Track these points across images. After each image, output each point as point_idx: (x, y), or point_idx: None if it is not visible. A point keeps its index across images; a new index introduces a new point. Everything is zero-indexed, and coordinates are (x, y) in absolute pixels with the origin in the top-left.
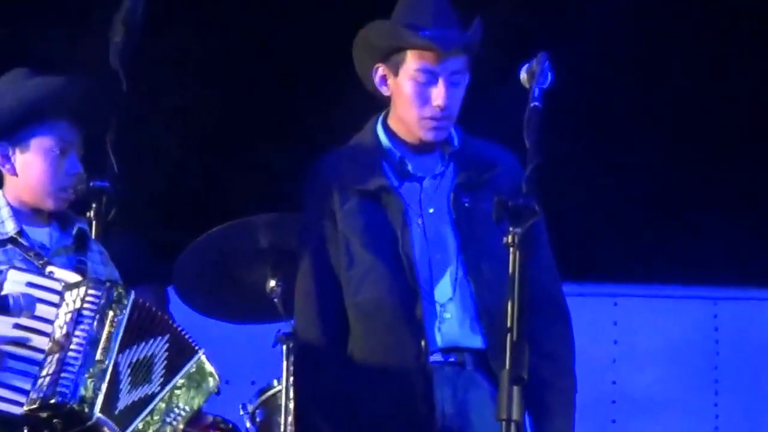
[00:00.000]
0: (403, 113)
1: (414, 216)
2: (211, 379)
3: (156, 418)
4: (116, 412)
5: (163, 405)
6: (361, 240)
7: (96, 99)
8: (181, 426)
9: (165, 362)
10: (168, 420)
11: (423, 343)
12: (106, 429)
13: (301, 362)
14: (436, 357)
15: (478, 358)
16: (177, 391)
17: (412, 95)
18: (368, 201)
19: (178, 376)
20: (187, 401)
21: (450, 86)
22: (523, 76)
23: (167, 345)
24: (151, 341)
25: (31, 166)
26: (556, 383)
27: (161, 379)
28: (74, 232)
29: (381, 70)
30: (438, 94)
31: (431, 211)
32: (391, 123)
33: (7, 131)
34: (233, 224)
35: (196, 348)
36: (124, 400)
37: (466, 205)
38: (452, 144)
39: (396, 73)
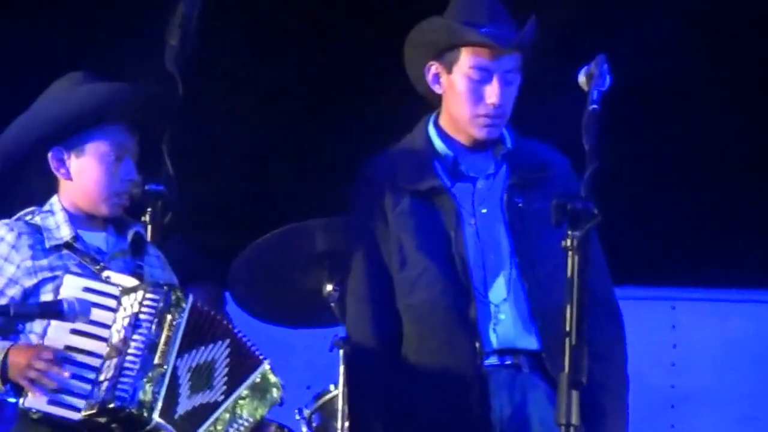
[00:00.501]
0: (455, 111)
1: (467, 216)
2: (275, 390)
3: (219, 428)
4: (176, 417)
5: (227, 415)
6: (414, 241)
7: (152, 103)
8: None
9: (227, 369)
10: (231, 430)
11: (477, 345)
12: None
13: (354, 365)
14: (492, 359)
15: (533, 360)
16: (241, 401)
17: (466, 93)
18: (421, 202)
19: (242, 387)
20: (251, 412)
21: (504, 84)
22: (582, 78)
23: (228, 350)
24: (211, 346)
25: (87, 171)
26: (609, 384)
27: (224, 387)
28: (131, 236)
29: (434, 68)
30: (492, 91)
31: (484, 211)
32: (443, 122)
33: (62, 136)
34: (290, 228)
35: (261, 358)
36: (184, 405)
37: (520, 205)
38: (505, 144)
39: (450, 71)
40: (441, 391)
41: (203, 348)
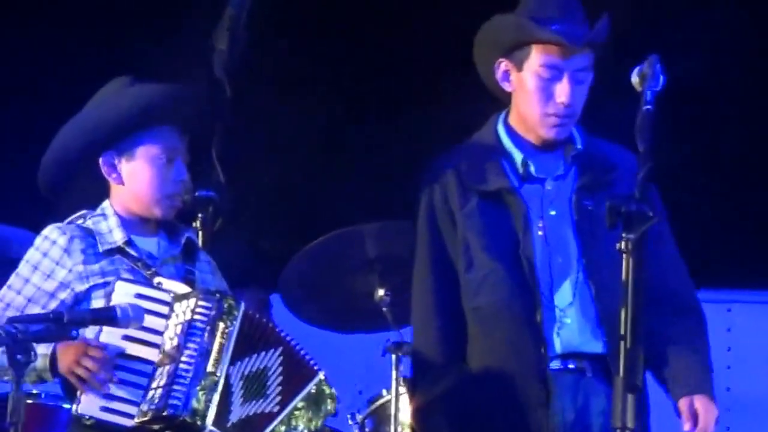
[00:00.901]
0: (525, 110)
1: (535, 218)
2: (329, 401)
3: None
4: (228, 425)
5: (282, 428)
6: (480, 242)
7: (200, 105)
8: None
9: (280, 378)
10: None
11: (543, 349)
12: None
13: (417, 366)
14: (555, 364)
15: (597, 365)
16: (296, 412)
17: (535, 91)
18: (488, 202)
19: (298, 398)
20: (306, 424)
21: (575, 83)
22: (635, 79)
23: (280, 359)
24: (263, 353)
25: (138, 175)
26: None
27: (279, 398)
28: (183, 241)
29: (504, 65)
30: (562, 90)
31: (553, 213)
32: (513, 121)
33: (112, 140)
34: (341, 233)
35: (316, 368)
36: (237, 413)
37: (589, 208)
38: (575, 145)
39: (520, 69)
40: (504, 394)
41: (255, 355)
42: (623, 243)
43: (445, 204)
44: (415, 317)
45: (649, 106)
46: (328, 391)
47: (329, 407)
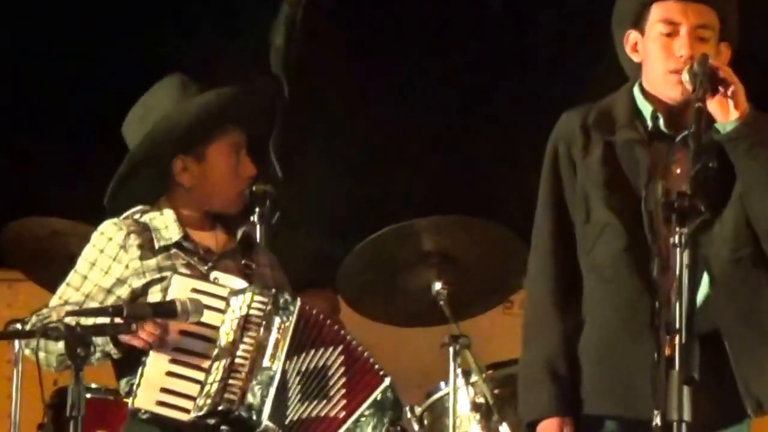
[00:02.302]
0: (650, 72)
1: (658, 174)
2: (394, 409)
3: None
4: (287, 422)
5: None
6: (600, 194)
7: (261, 104)
8: None
9: (343, 380)
10: None
11: (657, 304)
12: None
13: (529, 316)
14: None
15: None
16: (362, 419)
17: (656, 49)
18: (613, 154)
19: (364, 405)
20: (370, 430)
21: (695, 40)
22: (685, 77)
23: (342, 358)
24: (321, 350)
25: (211, 175)
26: None
27: (344, 402)
28: (240, 236)
29: (632, 36)
30: (681, 44)
31: (678, 171)
32: (647, 87)
33: (182, 144)
34: (398, 227)
35: (383, 375)
36: (297, 410)
37: (711, 166)
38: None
39: (643, 33)
40: (616, 347)
41: (313, 351)
42: (676, 237)
43: (568, 154)
44: (531, 266)
45: (700, 104)
46: (393, 398)
47: (394, 415)
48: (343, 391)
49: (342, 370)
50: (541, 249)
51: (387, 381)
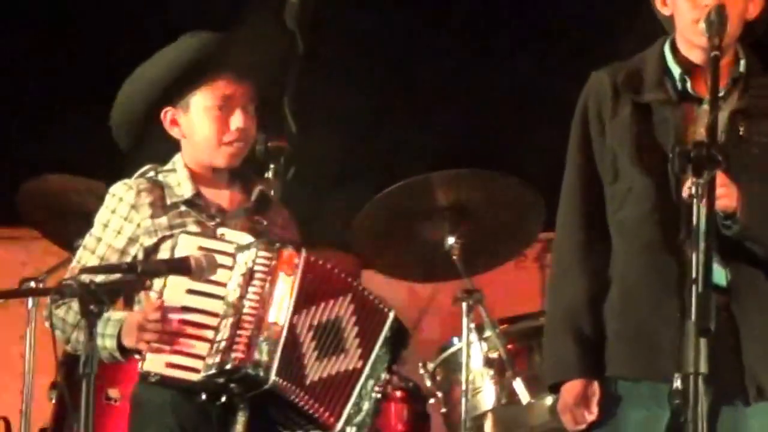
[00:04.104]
0: (679, 23)
1: (687, 136)
2: (404, 337)
3: (364, 395)
4: (307, 382)
5: (370, 381)
6: (628, 153)
7: (260, 51)
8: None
9: (356, 329)
10: (374, 393)
11: (682, 265)
12: (284, 392)
13: (555, 269)
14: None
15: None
16: (378, 360)
17: (683, 1)
18: (641, 113)
19: (377, 347)
20: (384, 367)
21: None
22: (702, 26)
23: (352, 306)
24: (331, 302)
25: (194, 126)
26: None
27: (359, 351)
28: (255, 194)
29: None
30: None
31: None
32: (678, 42)
33: (167, 96)
34: (411, 181)
35: (386, 310)
36: (316, 370)
37: (740, 133)
38: (738, 67)
39: None
40: (642, 308)
41: (323, 304)
42: (693, 187)
43: (598, 113)
44: (558, 225)
45: (716, 52)
46: (400, 328)
47: (404, 344)
48: (358, 340)
49: (354, 319)
50: (569, 204)
51: (392, 314)
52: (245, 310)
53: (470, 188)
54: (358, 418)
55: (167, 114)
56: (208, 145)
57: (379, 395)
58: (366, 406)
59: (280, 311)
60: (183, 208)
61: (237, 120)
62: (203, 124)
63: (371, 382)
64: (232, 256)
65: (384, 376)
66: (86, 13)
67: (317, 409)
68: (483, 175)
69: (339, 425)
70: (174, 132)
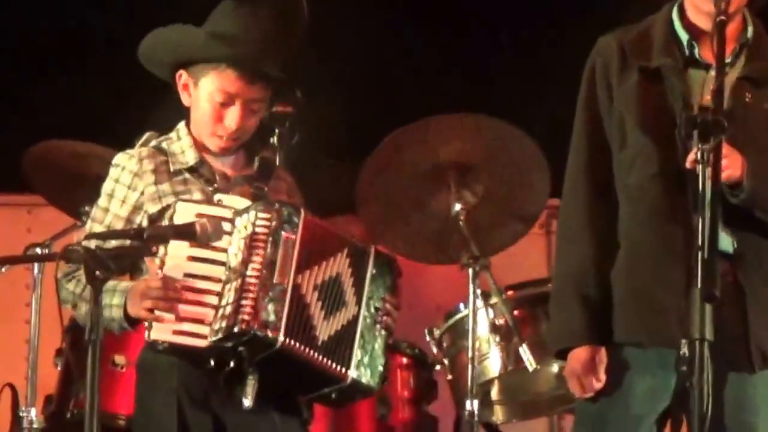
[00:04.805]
0: None
1: (694, 102)
2: (390, 265)
3: (368, 336)
4: (319, 342)
5: (368, 320)
6: (635, 119)
7: (286, 64)
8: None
9: (352, 279)
10: (376, 328)
11: (688, 229)
12: (294, 353)
13: (562, 231)
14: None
15: (725, 264)
16: (371, 301)
17: None
18: (648, 79)
19: (366, 286)
20: (380, 298)
21: None
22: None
23: (349, 260)
24: (331, 259)
25: (195, 104)
26: None
27: (354, 298)
28: (257, 161)
29: None
30: None
31: (709, 98)
32: (686, 6)
33: (189, 60)
34: (401, 130)
35: (367, 249)
36: (325, 329)
37: (746, 99)
38: (745, 33)
39: None
40: (648, 273)
41: (324, 263)
42: (699, 153)
43: (605, 78)
44: (565, 191)
45: (722, 17)
46: (385, 259)
47: (395, 273)
48: (354, 288)
49: (350, 271)
50: (577, 167)
51: (372, 250)
52: (249, 273)
53: (475, 139)
54: (368, 359)
55: (181, 77)
56: (202, 127)
57: (383, 330)
58: (375, 345)
59: (284, 271)
60: (187, 175)
61: (231, 118)
62: (203, 107)
63: (369, 321)
64: (231, 221)
65: (382, 307)
66: None
67: (329, 366)
68: (487, 122)
69: (351, 374)
70: (183, 97)
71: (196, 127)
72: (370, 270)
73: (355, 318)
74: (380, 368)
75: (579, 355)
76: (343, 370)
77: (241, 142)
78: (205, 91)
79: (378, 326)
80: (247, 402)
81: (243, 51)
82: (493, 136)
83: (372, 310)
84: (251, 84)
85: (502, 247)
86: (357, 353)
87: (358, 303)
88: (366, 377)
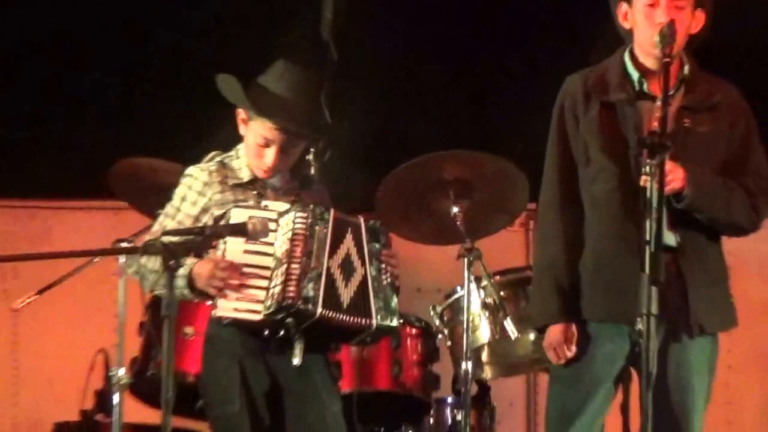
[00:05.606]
0: (638, 37)
1: (644, 127)
2: (378, 228)
3: (378, 287)
4: (345, 307)
5: (374, 275)
6: (597, 142)
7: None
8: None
9: (356, 248)
10: (383, 278)
11: (639, 231)
12: (335, 321)
13: (539, 232)
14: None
15: (670, 255)
16: (372, 260)
17: (641, 18)
18: (608, 111)
19: (365, 247)
20: (378, 255)
21: (672, 9)
22: (656, 38)
23: (351, 236)
24: (344, 241)
25: (247, 137)
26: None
27: (360, 262)
28: (299, 177)
29: (623, 8)
30: (660, 13)
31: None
32: (636, 51)
33: (240, 106)
34: (422, 159)
35: (357, 221)
36: (347, 295)
37: (686, 124)
38: (683, 70)
39: (632, 5)
40: (610, 264)
41: (341, 245)
42: (648, 167)
43: (572, 111)
44: (542, 194)
45: (667, 59)
46: (373, 225)
47: (382, 232)
48: (358, 256)
49: (353, 242)
50: (550, 181)
51: (361, 220)
52: (293, 260)
53: (471, 166)
54: (383, 304)
55: (240, 113)
56: (249, 157)
57: (389, 278)
58: (386, 291)
59: (319, 258)
60: (244, 187)
61: (269, 157)
62: (249, 143)
63: (375, 275)
64: (275, 221)
65: (383, 265)
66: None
67: (357, 322)
68: (481, 156)
69: (374, 322)
70: (241, 128)
71: (246, 154)
72: (365, 237)
73: (365, 278)
74: (394, 306)
75: (555, 330)
76: (368, 321)
77: (279, 172)
78: (252, 131)
79: (384, 276)
80: (296, 360)
81: (283, 110)
82: (484, 164)
83: (375, 266)
84: (286, 134)
85: (490, 233)
86: (374, 303)
87: (363, 265)
88: (387, 321)
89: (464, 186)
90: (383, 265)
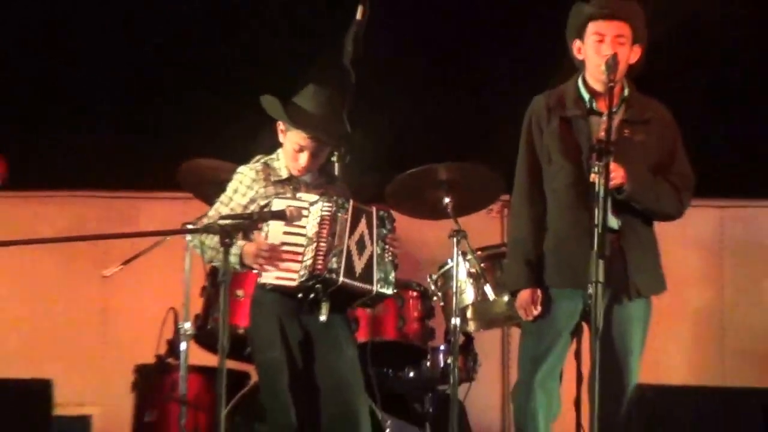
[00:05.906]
0: (589, 66)
1: (593, 137)
2: (387, 216)
3: (381, 263)
4: (357, 275)
5: (379, 252)
6: (558, 149)
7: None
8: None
9: (367, 230)
10: (386, 255)
11: (590, 219)
12: (350, 286)
13: (511, 219)
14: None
15: (613, 235)
16: (379, 241)
17: (591, 51)
18: (565, 124)
19: (375, 235)
20: (383, 238)
21: (616, 44)
22: (602, 67)
23: (365, 221)
24: (359, 225)
25: (284, 144)
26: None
27: (370, 241)
28: (325, 174)
29: (577, 43)
30: (606, 47)
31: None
32: (586, 76)
33: (278, 118)
34: (422, 168)
35: (370, 210)
36: (359, 266)
37: (626, 134)
38: (623, 92)
39: (584, 41)
40: (567, 244)
41: (357, 227)
42: (596, 167)
43: (537, 125)
44: (514, 191)
45: (611, 83)
46: (383, 213)
47: (391, 220)
48: (369, 236)
49: (366, 225)
50: (521, 180)
51: (374, 209)
52: (321, 240)
53: (460, 171)
54: (383, 275)
55: (279, 125)
56: (286, 160)
57: (391, 256)
58: (387, 267)
59: (342, 238)
60: (283, 183)
61: (302, 160)
62: (287, 148)
63: (380, 253)
64: (307, 209)
65: (387, 246)
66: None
67: (363, 287)
68: (467, 165)
69: (374, 288)
70: (280, 136)
71: (284, 157)
72: (375, 223)
73: (372, 254)
74: (392, 278)
75: (524, 294)
76: (370, 287)
77: (310, 171)
78: (289, 139)
79: (386, 254)
80: (323, 317)
81: (313, 124)
82: (467, 169)
83: (380, 246)
84: (316, 142)
85: (474, 211)
86: (376, 275)
87: (372, 244)
88: (384, 289)
89: (453, 184)
90: (387, 246)
